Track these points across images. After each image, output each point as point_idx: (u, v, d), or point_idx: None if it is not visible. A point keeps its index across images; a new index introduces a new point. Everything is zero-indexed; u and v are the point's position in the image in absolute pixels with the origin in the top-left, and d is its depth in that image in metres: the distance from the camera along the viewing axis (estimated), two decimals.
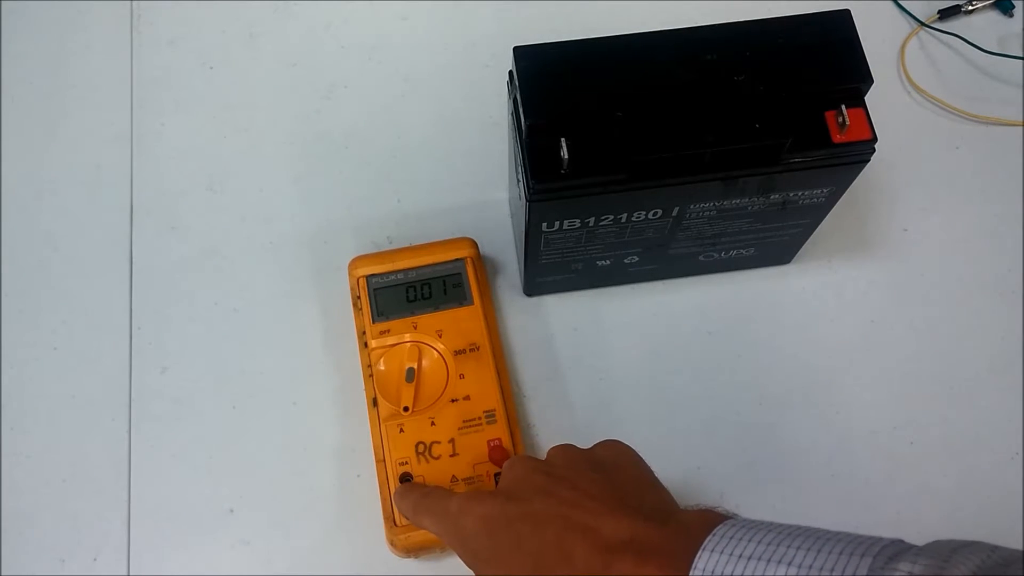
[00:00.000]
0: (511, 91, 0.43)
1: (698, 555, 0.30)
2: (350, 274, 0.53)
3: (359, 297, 0.52)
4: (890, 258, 0.56)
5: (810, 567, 0.28)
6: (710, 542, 0.30)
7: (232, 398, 0.53)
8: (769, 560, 0.29)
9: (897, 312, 0.55)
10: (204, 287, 0.56)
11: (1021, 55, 0.60)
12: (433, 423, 0.49)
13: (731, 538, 0.30)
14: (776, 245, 0.52)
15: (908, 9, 0.62)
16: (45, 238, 0.57)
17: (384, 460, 0.49)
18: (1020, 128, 0.59)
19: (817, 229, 0.51)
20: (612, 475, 0.38)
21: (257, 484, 0.51)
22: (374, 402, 0.50)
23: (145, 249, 0.56)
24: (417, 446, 0.48)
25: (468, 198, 0.57)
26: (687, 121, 0.41)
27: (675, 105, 0.41)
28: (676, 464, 0.51)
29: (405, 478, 0.48)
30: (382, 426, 0.49)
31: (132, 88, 0.60)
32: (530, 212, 0.43)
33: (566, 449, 0.40)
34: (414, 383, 0.49)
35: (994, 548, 0.28)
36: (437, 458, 0.48)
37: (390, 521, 0.47)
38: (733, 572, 0.29)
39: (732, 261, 0.54)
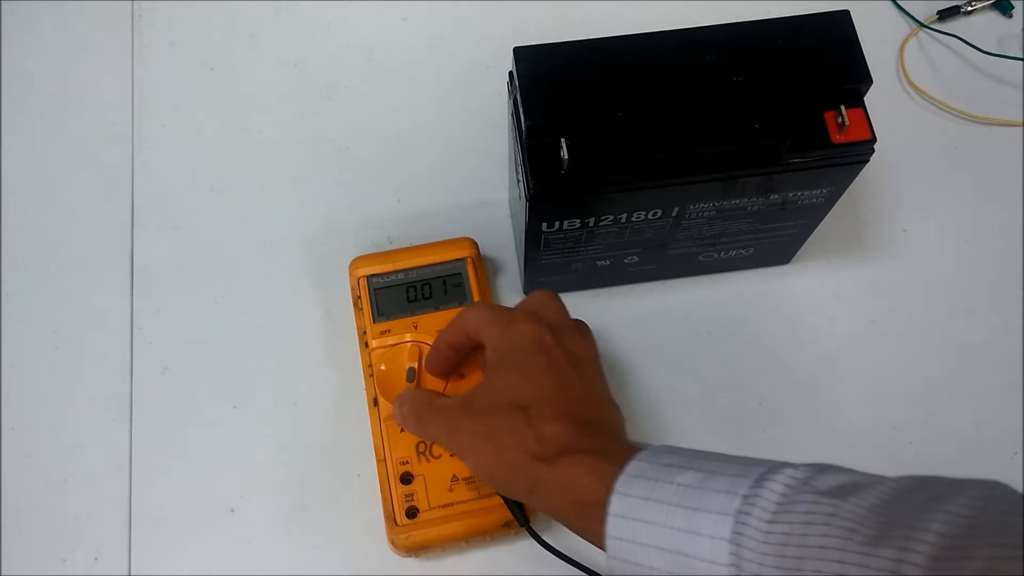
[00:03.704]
0: (511, 91, 0.43)
1: (632, 459, 0.36)
2: (351, 274, 0.53)
3: (360, 297, 0.52)
4: (889, 258, 0.57)
5: (712, 471, 0.34)
6: (644, 452, 0.37)
7: (233, 398, 0.53)
8: (684, 467, 0.35)
9: (896, 312, 0.55)
10: (205, 287, 0.56)
11: (1020, 56, 0.60)
12: None
13: (661, 451, 0.37)
14: (775, 245, 0.52)
15: (907, 10, 0.62)
16: (46, 238, 0.57)
17: (385, 460, 0.49)
18: (1019, 128, 0.59)
19: (816, 229, 0.51)
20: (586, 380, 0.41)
21: (258, 484, 0.51)
22: (375, 402, 0.50)
23: (146, 249, 0.57)
24: (417, 446, 0.48)
25: (468, 198, 0.58)
26: (687, 121, 0.41)
27: (675, 105, 0.41)
28: None
29: (406, 478, 0.48)
30: (383, 426, 0.49)
31: (133, 88, 0.60)
32: (530, 212, 0.43)
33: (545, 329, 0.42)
34: (415, 383, 0.49)
35: (870, 475, 0.33)
36: (437, 457, 0.48)
37: (391, 521, 0.48)
38: (653, 475, 0.35)
39: (732, 261, 0.54)
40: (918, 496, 0.31)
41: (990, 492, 0.30)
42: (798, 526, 0.31)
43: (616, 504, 0.35)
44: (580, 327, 0.44)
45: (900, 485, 0.32)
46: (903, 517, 0.30)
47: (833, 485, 0.32)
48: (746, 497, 0.33)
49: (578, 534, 0.38)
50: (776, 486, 0.33)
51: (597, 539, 0.36)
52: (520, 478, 0.38)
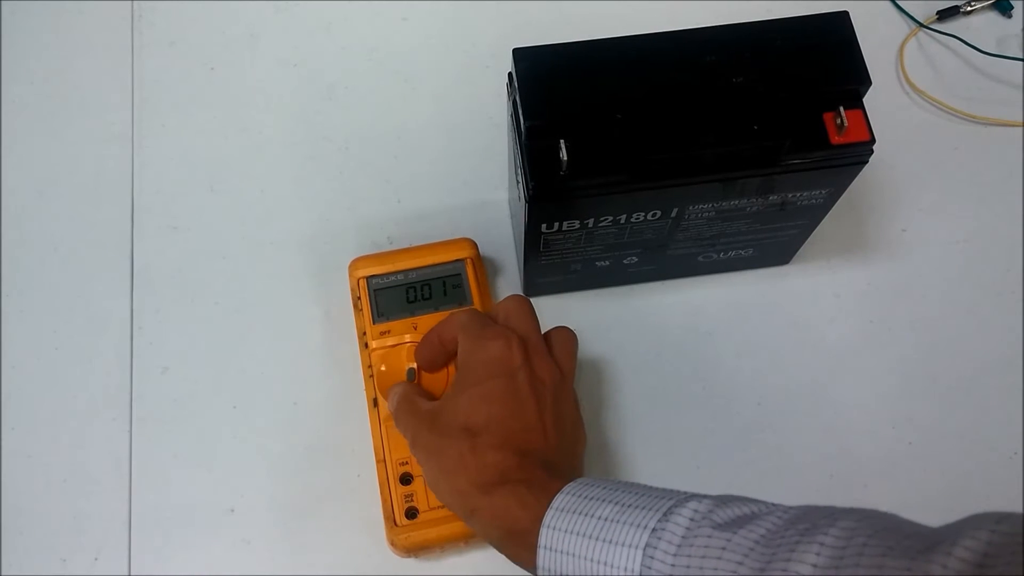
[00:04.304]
0: (510, 92, 0.43)
1: (559, 493, 0.38)
2: (350, 275, 0.53)
3: (359, 298, 0.52)
4: (889, 258, 0.57)
5: (628, 504, 0.36)
6: (570, 486, 0.38)
7: (232, 398, 0.53)
8: (603, 500, 0.37)
9: (896, 312, 0.55)
10: (205, 287, 0.56)
11: (1020, 56, 0.60)
12: None
13: (585, 484, 0.38)
14: (775, 246, 0.52)
15: (907, 10, 0.62)
16: (46, 238, 0.57)
17: (384, 460, 0.49)
18: (1018, 129, 0.59)
19: (816, 230, 0.51)
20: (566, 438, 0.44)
21: (257, 484, 0.51)
22: (374, 402, 0.50)
23: (146, 249, 0.57)
24: None
25: (468, 198, 0.58)
26: (686, 123, 0.41)
27: (674, 107, 0.41)
28: (675, 464, 0.52)
29: (406, 479, 0.48)
30: (383, 426, 0.49)
31: (133, 88, 0.60)
32: (529, 213, 0.43)
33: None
34: (414, 384, 0.49)
35: (768, 504, 0.36)
36: None
37: (390, 521, 0.48)
38: (576, 508, 0.37)
39: (731, 262, 0.54)
40: (800, 526, 0.33)
41: (856, 522, 0.32)
42: (696, 559, 0.34)
43: (545, 537, 0.37)
44: (559, 338, 0.46)
45: (788, 515, 0.34)
46: (783, 549, 0.32)
47: (730, 518, 0.35)
48: (654, 531, 0.35)
49: (511, 560, 0.40)
50: (681, 519, 0.35)
51: (528, 566, 0.39)
52: (460, 503, 0.41)
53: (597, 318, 0.55)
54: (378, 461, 0.49)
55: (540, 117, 0.41)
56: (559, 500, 0.38)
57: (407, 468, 0.48)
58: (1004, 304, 0.55)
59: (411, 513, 0.47)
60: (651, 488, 0.38)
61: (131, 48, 0.62)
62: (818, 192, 0.46)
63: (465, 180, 0.58)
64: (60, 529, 0.50)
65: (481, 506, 0.40)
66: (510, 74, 0.43)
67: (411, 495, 0.48)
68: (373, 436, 0.50)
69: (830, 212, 0.49)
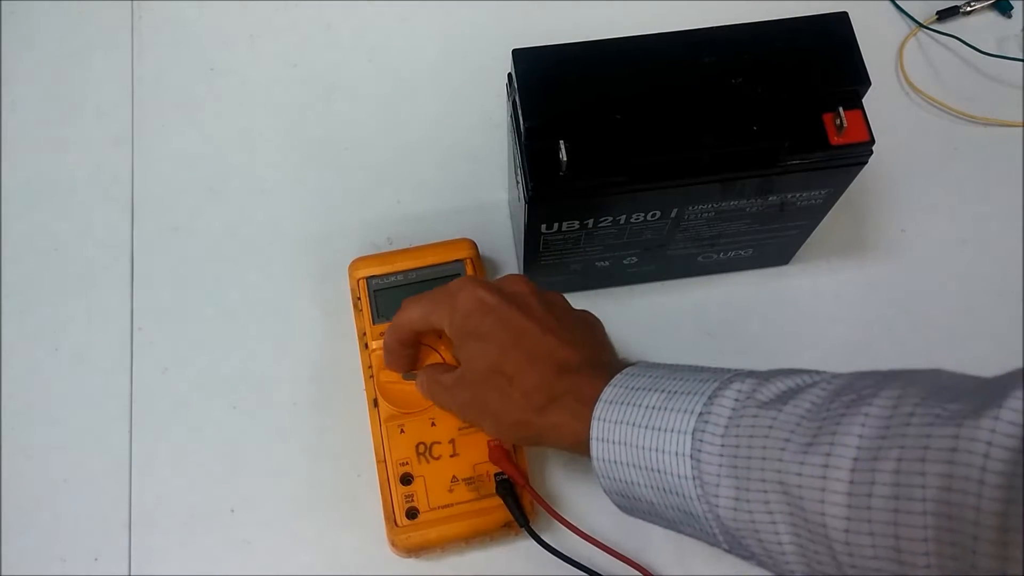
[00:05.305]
0: (510, 93, 0.43)
1: (607, 385, 0.39)
2: (350, 275, 0.53)
3: (359, 298, 0.52)
4: (888, 259, 0.57)
5: (674, 391, 0.37)
6: (617, 378, 0.40)
7: (233, 398, 0.53)
8: (650, 389, 0.38)
9: (895, 312, 0.55)
10: (205, 287, 0.56)
11: (1019, 56, 0.60)
12: (433, 424, 0.49)
13: (631, 375, 0.39)
14: (774, 246, 0.52)
15: (906, 10, 0.62)
16: (46, 238, 0.57)
17: (384, 460, 0.49)
18: (1018, 129, 0.59)
19: (815, 230, 0.51)
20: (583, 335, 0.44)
21: (258, 484, 0.51)
22: (375, 403, 0.50)
23: (146, 249, 0.57)
24: (417, 446, 0.48)
25: (468, 199, 0.58)
26: (685, 123, 0.41)
27: (673, 107, 0.41)
28: None
29: (406, 479, 0.48)
30: (383, 427, 0.49)
31: (133, 89, 0.60)
32: (529, 213, 0.43)
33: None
34: (433, 364, 0.49)
35: (812, 374, 0.36)
36: (437, 458, 0.48)
37: (391, 522, 0.48)
38: (624, 399, 0.38)
39: (731, 262, 0.54)
40: (845, 397, 0.33)
41: (902, 388, 0.32)
42: (744, 439, 0.34)
43: (596, 429, 0.39)
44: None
45: (833, 385, 0.35)
46: (829, 422, 0.33)
47: (774, 395, 0.35)
48: (701, 415, 0.36)
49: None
50: (726, 401, 0.36)
51: None
52: (526, 434, 0.42)
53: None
54: (378, 461, 0.49)
55: (540, 118, 0.41)
56: (607, 393, 0.39)
57: (407, 468, 0.48)
58: (1004, 304, 0.55)
59: (411, 513, 0.47)
60: (696, 370, 0.39)
61: (131, 48, 0.62)
62: (817, 192, 0.46)
63: (465, 181, 0.58)
64: (60, 529, 0.50)
65: (544, 426, 0.41)
66: (510, 75, 0.43)
67: (411, 495, 0.48)
68: (373, 436, 0.50)
69: (830, 212, 0.49)
